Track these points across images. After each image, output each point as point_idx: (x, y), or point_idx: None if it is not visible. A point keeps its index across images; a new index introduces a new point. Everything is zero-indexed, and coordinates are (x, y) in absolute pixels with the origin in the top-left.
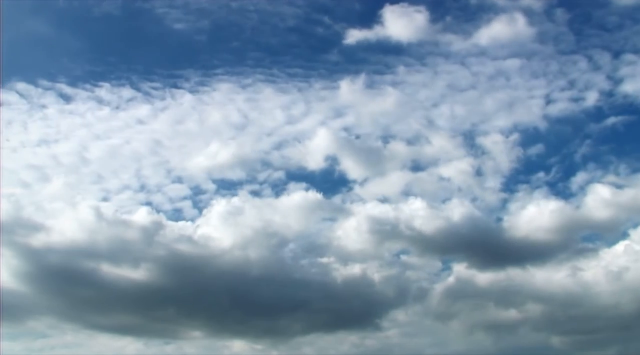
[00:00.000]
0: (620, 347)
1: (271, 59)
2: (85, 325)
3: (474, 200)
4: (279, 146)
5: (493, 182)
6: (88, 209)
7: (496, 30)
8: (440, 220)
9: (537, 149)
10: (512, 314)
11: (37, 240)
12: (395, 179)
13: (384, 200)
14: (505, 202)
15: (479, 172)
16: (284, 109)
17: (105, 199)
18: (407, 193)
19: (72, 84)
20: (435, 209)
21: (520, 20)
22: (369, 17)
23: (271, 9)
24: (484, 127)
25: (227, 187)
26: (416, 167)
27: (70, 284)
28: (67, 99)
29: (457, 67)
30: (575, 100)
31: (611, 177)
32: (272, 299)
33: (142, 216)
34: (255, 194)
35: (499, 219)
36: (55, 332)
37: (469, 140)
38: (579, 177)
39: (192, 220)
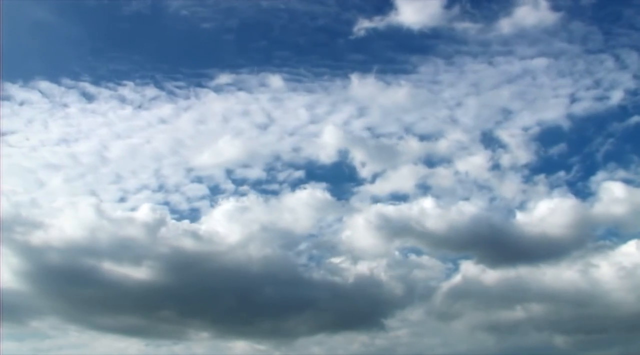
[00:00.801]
0: (622, 347)
1: (298, 58)
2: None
3: (489, 197)
4: (300, 146)
5: (510, 180)
6: (104, 209)
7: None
8: (454, 217)
9: (559, 148)
10: (524, 312)
11: (50, 239)
12: (410, 176)
13: (398, 198)
14: (521, 199)
15: (496, 169)
16: (308, 109)
17: (122, 199)
18: (421, 190)
19: (96, 82)
20: (449, 205)
21: (550, 18)
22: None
23: (302, 8)
24: (506, 125)
25: (246, 186)
26: (431, 162)
27: (80, 284)
28: (89, 98)
29: (485, 66)
30: (600, 99)
31: (631, 175)
32: (279, 299)
33: (147, 214)
34: (273, 193)
35: (513, 216)
36: (58, 333)
37: (488, 137)
38: (599, 176)
39: (205, 219)
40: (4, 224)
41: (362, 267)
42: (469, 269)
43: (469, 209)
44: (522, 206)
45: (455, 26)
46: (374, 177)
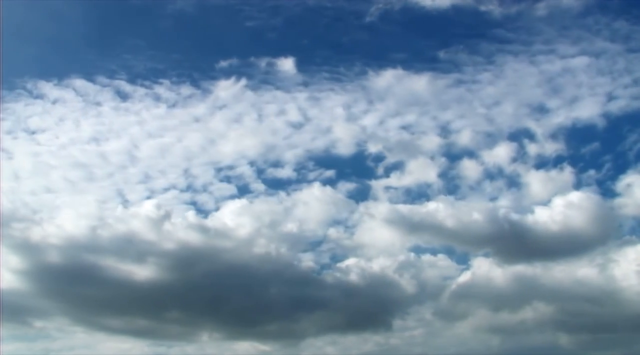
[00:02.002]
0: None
1: (339, 57)
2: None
3: (514, 193)
4: (334, 145)
5: (538, 176)
6: (127, 209)
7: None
8: (473, 213)
9: (591, 146)
10: (543, 310)
11: (70, 239)
12: (429, 171)
13: (416, 196)
14: (546, 195)
15: (523, 165)
16: (345, 108)
17: (148, 199)
18: (447, 186)
19: (132, 81)
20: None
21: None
22: None
23: (348, 7)
24: (540, 122)
25: (275, 186)
26: (456, 156)
27: (93, 284)
28: (123, 96)
29: (525, 64)
30: (637, 98)
31: None
32: (288, 299)
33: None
34: (299, 192)
35: (535, 212)
36: (63, 334)
37: (520, 133)
38: (629, 175)
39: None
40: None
41: (377, 266)
42: (486, 267)
43: (491, 205)
44: (546, 202)
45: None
46: (400, 177)
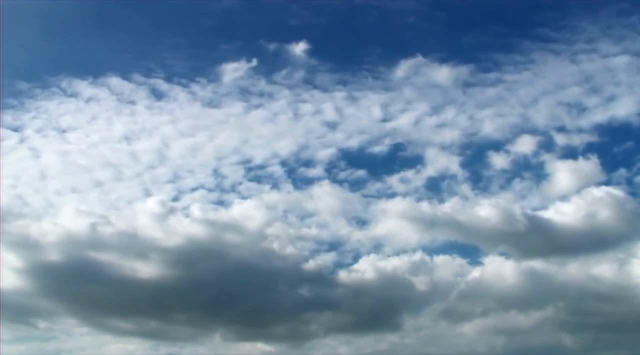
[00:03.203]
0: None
1: (380, 56)
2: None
3: (538, 188)
4: (367, 145)
5: (567, 174)
6: (152, 209)
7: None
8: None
9: (626, 145)
10: (562, 307)
11: (93, 238)
12: (458, 170)
13: (444, 194)
14: (570, 193)
15: (548, 160)
16: (382, 107)
17: (175, 199)
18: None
19: (169, 79)
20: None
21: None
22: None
23: (394, 7)
24: (576, 120)
25: (303, 186)
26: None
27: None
28: (158, 95)
29: (566, 64)
30: None
31: None
32: (297, 299)
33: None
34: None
35: (558, 209)
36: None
37: (548, 131)
38: None
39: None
40: None
41: (393, 264)
42: (504, 264)
43: (518, 201)
44: (572, 197)
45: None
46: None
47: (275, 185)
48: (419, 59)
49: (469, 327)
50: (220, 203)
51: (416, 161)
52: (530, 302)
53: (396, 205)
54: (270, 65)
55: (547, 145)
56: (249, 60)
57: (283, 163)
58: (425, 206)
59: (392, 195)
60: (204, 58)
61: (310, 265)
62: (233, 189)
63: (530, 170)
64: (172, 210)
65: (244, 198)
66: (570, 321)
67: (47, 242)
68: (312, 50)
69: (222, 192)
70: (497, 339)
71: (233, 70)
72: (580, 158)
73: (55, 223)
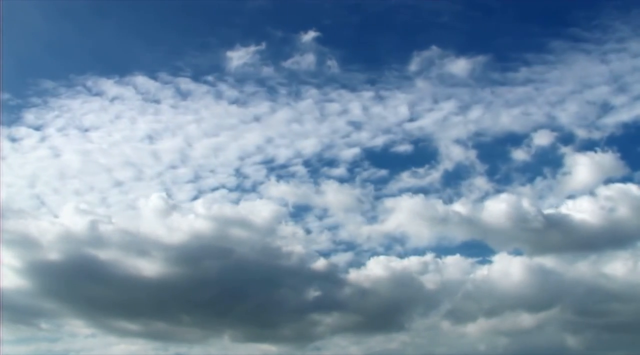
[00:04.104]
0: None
1: (410, 55)
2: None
3: (559, 186)
4: (391, 145)
5: (583, 167)
6: (171, 209)
7: None
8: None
9: None
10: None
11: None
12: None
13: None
14: (587, 191)
15: (561, 155)
16: (410, 106)
17: (195, 198)
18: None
19: (195, 78)
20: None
21: None
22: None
23: (428, 6)
24: (602, 119)
25: (323, 185)
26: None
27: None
28: (184, 94)
29: (596, 63)
30: None
31: None
32: (307, 299)
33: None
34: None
35: (561, 206)
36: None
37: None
38: None
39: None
40: None
41: (405, 264)
42: (519, 263)
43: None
44: (586, 195)
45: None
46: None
47: (295, 185)
48: (450, 57)
49: (481, 326)
50: (239, 202)
51: (437, 160)
52: (545, 300)
53: (413, 204)
54: (298, 64)
55: (568, 142)
56: (275, 61)
57: (306, 163)
58: (442, 205)
59: (412, 193)
60: (232, 58)
61: (323, 264)
62: (254, 188)
63: (549, 166)
64: (189, 209)
65: (264, 197)
66: (581, 321)
67: (60, 241)
68: (342, 51)
69: (242, 191)
70: (509, 338)
71: (259, 69)
72: (600, 153)
73: (65, 222)
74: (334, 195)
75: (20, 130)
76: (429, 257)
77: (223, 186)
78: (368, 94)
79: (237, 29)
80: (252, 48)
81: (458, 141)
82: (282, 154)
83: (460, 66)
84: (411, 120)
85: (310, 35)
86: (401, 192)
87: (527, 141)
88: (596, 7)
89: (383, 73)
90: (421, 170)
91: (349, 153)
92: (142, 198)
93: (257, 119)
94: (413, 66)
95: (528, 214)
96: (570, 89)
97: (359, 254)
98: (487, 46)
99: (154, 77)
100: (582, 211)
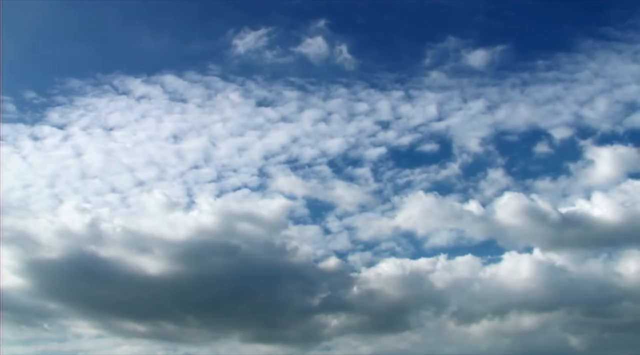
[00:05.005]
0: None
1: (442, 53)
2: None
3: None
4: (417, 144)
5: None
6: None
7: None
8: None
9: None
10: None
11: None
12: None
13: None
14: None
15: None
16: (439, 105)
17: (217, 197)
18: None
19: (224, 77)
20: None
21: None
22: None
23: (463, 5)
24: (629, 119)
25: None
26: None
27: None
28: (212, 93)
29: (628, 62)
30: None
31: None
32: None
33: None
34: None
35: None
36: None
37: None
38: None
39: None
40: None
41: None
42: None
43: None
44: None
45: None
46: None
47: (316, 184)
48: (481, 55)
49: (494, 326)
50: (259, 201)
51: (461, 159)
52: (557, 299)
53: (433, 203)
54: (324, 61)
55: (587, 136)
56: (303, 60)
57: (331, 163)
58: (462, 204)
59: (436, 192)
60: (264, 58)
61: (336, 263)
62: (276, 188)
63: (570, 162)
64: (208, 209)
65: (284, 197)
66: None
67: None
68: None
69: (263, 191)
70: (517, 338)
71: (287, 69)
72: (621, 149)
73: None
74: (352, 194)
75: (44, 129)
76: (444, 256)
77: (245, 186)
78: (397, 94)
79: (269, 28)
80: (284, 49)
81: (484, 140)
82: (308, 154)
83: (491, 64)
84: (437, 121)
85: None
86: (422, 190)
87: (550, 138)
88: (630, 6)
89: (412, 72)
90: (443, 170)
91: (375, 152)
92: (161, 198)
93: (283, 118)
94: (442, 65)
95: (548, 212)
96: (599, 88)
97: (374, 253)
98: (518, 46)
99: (182, 76)
100: (600, 207)
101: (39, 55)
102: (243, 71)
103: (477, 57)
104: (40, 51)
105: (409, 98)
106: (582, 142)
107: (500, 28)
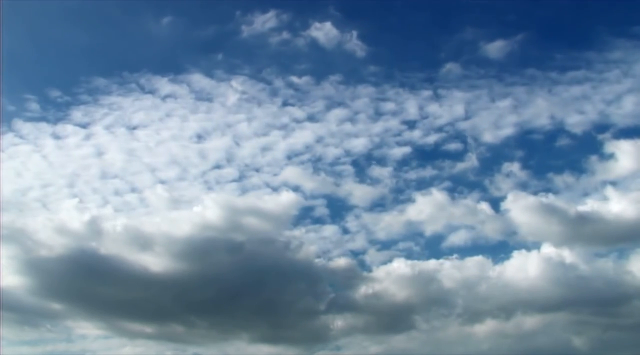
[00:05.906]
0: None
1: (471, 54)
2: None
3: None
4: (440, 144)
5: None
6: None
7: None
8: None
9: None
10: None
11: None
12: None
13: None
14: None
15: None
16: (467, 104)
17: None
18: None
19: (253, 76)
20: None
21: None
22: None
23: (495, 4)
24: None
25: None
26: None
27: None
28: (239, 92)
29: None
30: None
31: None
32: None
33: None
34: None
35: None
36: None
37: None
38: None
39: None
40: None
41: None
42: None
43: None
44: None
45: None
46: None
47: (336, 182)
48: (508, 54)
49: (504, 326)
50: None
51: (484, 158)
52: (565, 298)
53: (453, 202)
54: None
55: (605, 131)
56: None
57: (354, 162)
58: (482, 204)
59: (456, 193)
60: (292, 56)
61: (348, 263)
62: (296, 188)
63: (589, 159)
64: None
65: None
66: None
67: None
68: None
69: (281, 190)
70: (534, 338)
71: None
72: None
73: (100, 223)
74: (369, 194)
75: (66, 128)
76: (457, 255)
77: (267, 185)
78: (425, 93)
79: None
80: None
81: (508, 140)
82: (331, 153)
83: (519, 62)
84: (462, 120)
85: None
86: (441, 190)
87: (571, 135)
88: None
89: (440, 70)
90: (465, 169)
91: (399, 152)
92: (183, 197)
93: (309, 118)
94: (471, 64)
95: (566, 211)
96: (627, 88)
97: (388, 253)
98: (547, 45)
99: (209, 75)
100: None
101: (63, 54)
102: (274, 71)
103: (494, 49)
104: (65, 50)
105: (436, 97)
106: (597, 135)
107: (529, 25)
